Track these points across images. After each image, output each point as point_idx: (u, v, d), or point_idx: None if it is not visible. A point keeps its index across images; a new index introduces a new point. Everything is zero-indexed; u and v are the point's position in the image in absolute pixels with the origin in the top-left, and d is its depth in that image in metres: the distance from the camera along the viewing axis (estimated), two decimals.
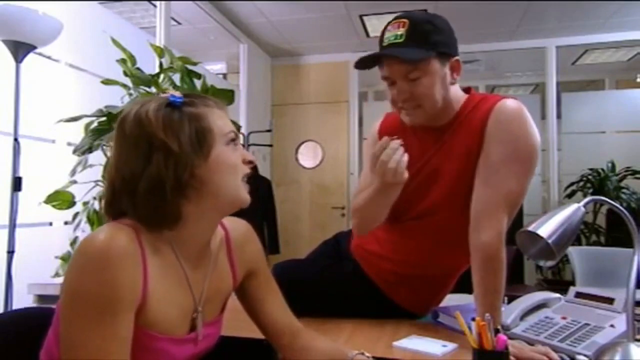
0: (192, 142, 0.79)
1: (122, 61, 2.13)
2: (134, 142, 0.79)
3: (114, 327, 0.73)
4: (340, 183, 5.31)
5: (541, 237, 0.96)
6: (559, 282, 4.47)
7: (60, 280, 1.94)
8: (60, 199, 2.02)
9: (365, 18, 4.25)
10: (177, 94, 0.84)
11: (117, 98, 2.04)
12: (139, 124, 0.79)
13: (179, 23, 4.15)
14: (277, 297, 1.02)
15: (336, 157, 5.35)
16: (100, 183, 2.05)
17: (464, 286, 1.54)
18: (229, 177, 0.83)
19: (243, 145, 3.95)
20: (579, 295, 1.27)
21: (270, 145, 4.80)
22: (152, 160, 0.77)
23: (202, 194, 0.81)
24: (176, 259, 0.83)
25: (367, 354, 0.97)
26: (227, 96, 2.30)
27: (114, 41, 2.12)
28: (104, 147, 1.99)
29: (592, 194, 4.27)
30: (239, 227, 1.00)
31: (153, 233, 0.80)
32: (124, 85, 2.13)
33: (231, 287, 0.96)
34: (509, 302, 1.31)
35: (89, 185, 2.05)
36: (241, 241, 0.98)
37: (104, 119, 2.04)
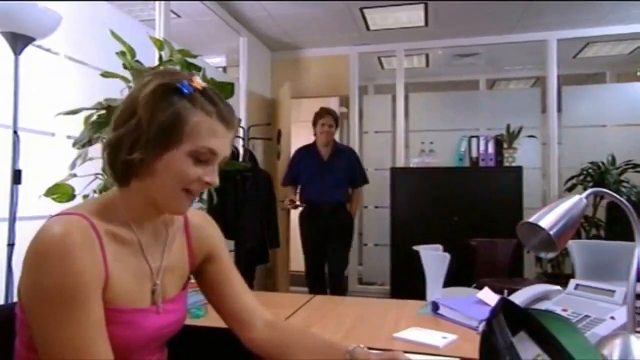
0: (159, 131, 0.80)
1: (122, 54, 2.12)
2: (128, 99, 0.84)
3: (88, 314, 0.74)
4: None
5: (542, 229, 0.96)
6: (558, 275, 4.47)
7: None
8: (60, 192, 2.01)
9: (365, 11, 4.23)
10: (198, 83, 0.83)
11: (117, 91, 2.03)
12: (139, 88, 0.83)
13: (179, 16, 4.12)
14: (241, 283, 1.04)
15: None
16: (100, 176, 2.05)
17: (463, 280, 1.55)
18: (168, 183, 0.83)
19: (244, 146, 3.94)
20: (579, 287, 1.28)
21: (270, 139, 4.80)
22: (127, 124, 0.81)
23: (144, 179, 0.83)
24: (131, 232, 0.86)
25: (363, 347, 0.92)
26: (227, 89, 2.29)
27: (113, 34, 2.11)
28: (104, 140, 1.98)
29: (592, 187, 4.26)
30: (197, 213, 1.04)
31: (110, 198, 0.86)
32: (124, 78, 2.12)
33: (188, 266, 0.99)
34: (509, 294, 1.31)
35: (88, 178, 2.04)
36: (199, 224, 1.02)
37: (103, 111, 2.03)
